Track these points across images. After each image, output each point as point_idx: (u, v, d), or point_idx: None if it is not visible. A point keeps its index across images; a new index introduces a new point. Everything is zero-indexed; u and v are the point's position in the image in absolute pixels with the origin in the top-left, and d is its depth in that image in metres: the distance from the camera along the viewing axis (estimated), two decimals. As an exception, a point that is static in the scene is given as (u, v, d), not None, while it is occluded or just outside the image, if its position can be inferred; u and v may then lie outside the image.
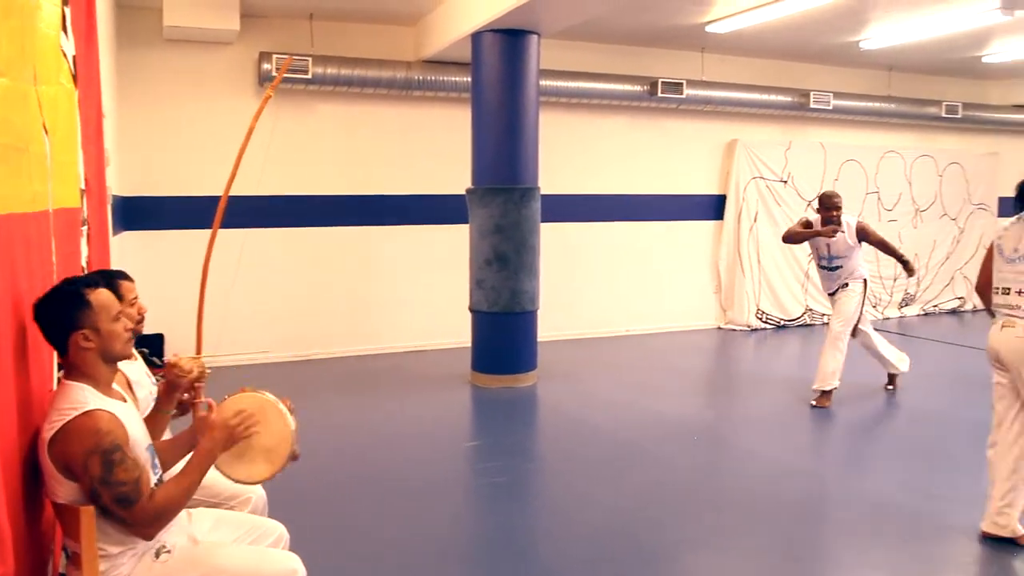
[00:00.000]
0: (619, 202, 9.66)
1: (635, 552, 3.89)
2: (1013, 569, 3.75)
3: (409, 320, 8.64)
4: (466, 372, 7.38)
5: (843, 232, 6.44)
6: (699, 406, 6.94)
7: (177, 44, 7.56)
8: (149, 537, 2.27)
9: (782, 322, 10.33)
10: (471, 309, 7.21)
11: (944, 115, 11.03)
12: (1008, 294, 3.93)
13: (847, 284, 6.53)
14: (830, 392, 6.47)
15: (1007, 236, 4.00)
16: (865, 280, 6.58)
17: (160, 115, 7.62)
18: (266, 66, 7.61)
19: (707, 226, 10.23)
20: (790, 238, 6.77)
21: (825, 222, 6.47)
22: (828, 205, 6.48)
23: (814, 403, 6.47)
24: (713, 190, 10.22)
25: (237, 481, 2.66)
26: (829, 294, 6.73)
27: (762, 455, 5.39)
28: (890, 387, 6.97)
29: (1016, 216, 3.98)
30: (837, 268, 6.56)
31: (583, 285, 9.44)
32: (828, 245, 6.51)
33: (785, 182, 10.30)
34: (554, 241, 8.70)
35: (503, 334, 7.13)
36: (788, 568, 3.76)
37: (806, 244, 6.94)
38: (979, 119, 11.53)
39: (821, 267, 6.69)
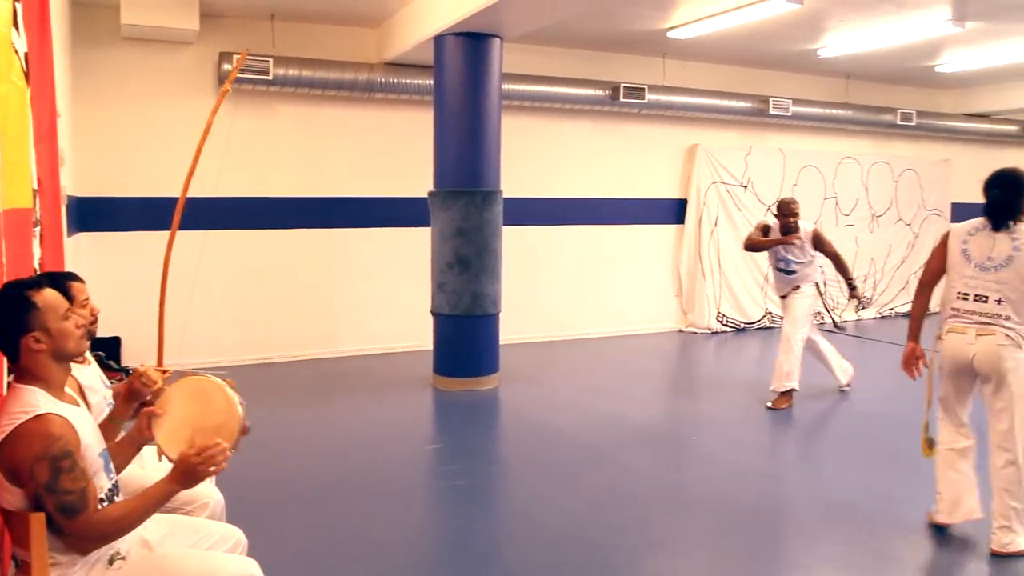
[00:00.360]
0: (581, 206, 9.71)
1: (595, 555, 3.91)
2: (963, 565, 3.83)
3: (371, 323, 8.60)
4: (428, 375, 7.36)
5: (800, 240, 6.55)
6: (660, 409, 6.99)
7: (135, 43, 7.45)
8: (84, 552, 2.21)
9: (742, 325, 10.45)
10: (433, 312, 7.19)
11: (899, 123, 11.26)
12: (985, 302, 3.92)
13: (799, 287, 6.65)
14: (788, 393, 6.55)
15: (974, 243, 4.01)
16: (817, 284, 6.70)
17: (117, 115, 7.50)
18: (226, 67, 7.54)
19: (668, 230, 10.32)
20: (752, 247, 6.87)
21: (783, 228, 6.58)
22: (786, 212, 6.58)
23: (770, 405, 6.55)
24: (674, 194, 10.31)
25: None
26: (781, 296, 6.85)
27: (721, 457, 5.44)
28: (845, 388, 7.08)
29: (980, 221, 4.00)
30: (793, 273, 6.67)
31: (545, 288, 9.47)
32: (787, 249, 6.62)
33: (745, 187, 10.43)
34: (516, 244, 8.71)
35: (465, 337, 7.12)
36: (747, 570, 3.80)
37: None
38: (932, 127, 11.78)
39: (778, 269, 6.79)
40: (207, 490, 2.98)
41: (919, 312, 4.19)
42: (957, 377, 4.04)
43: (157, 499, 2.29)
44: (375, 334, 8.63)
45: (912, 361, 4.15)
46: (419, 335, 8.11)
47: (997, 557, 3.83)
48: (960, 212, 12.26)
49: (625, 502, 4.61)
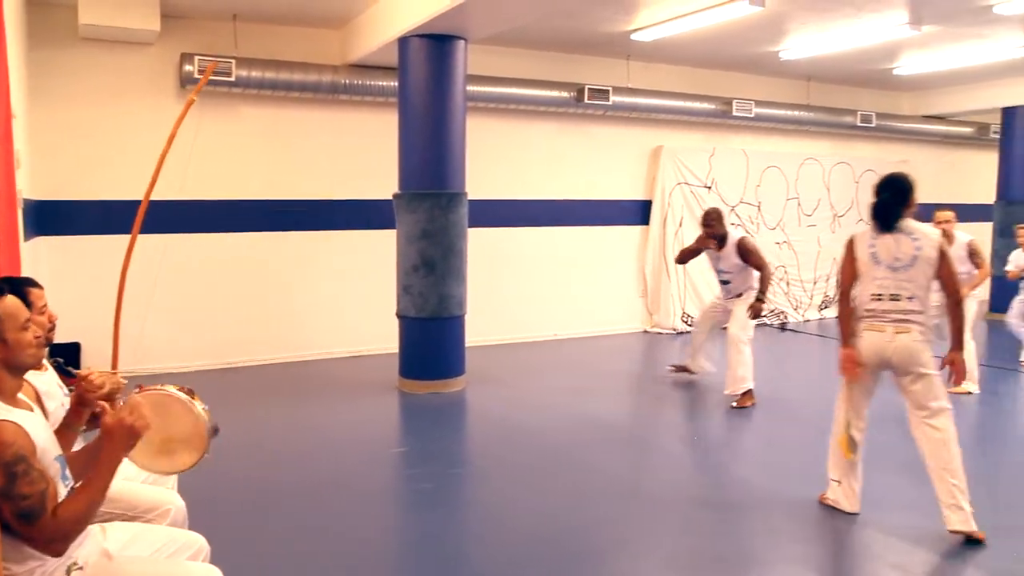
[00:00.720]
0: (546, 207, 9.74)
1: (563, 556, 3.92)
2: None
3: (337, 326, 8.55)
4: (394, 378, 7.33)
5: (716, 250, 6.82)
6: (626, 409, 7.03)
7: (94, 43, 7.34)
8: (58, 553, 2.18)
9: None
10: (398, 315, 7.17)
11: (859, 124, 11.44)
12: (897, 300, 4.14)
13: (740, 294, 6.85)
14: (750, 391, 6.64)
15: (881, 246, 4.21)
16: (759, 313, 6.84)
17: (76, 116, 7.38)
18: (188, 68, 7.46)
19: (633, 231, 10.39)
20: (679, 259, 7.39)
21: (706, 238, 6.84)
22: (703, 222, 6.87)
23: (735, 404, 6.63)
24: (639, 195, 10.38)
25: (170, 473, 2.64)
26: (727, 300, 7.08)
27: (687, 456, 5.48)
28: (688, 371, 7.59)
29: (872, 223, 4.24)
30: (728, 282, 6.90)
31: (511, 290, 9.48)
32: (717, 259, 6.86)
33: (709, 188, 10.52)
34: (482, 246, 8.72)
35: (431, 340, 7.10)
36: (713, 567, 3.83)
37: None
38: (891, 128, 11.98)
39: (719, 280, 7.07)
40: (168, 497, 2.95)
41: (847, 316, 4.35)
42: (873, 373, 4.25)
43: (104, 476, 2.24)
44: (341, 337, 8.58)
45: (850, 365, 4.30)
46: (385, 338, 8.08)
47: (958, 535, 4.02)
48: (919, 212, 12.48)
49: (592, 502, 4.63)
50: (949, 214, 6.97)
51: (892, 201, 4.19)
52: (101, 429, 2.38)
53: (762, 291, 6.66)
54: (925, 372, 4.09)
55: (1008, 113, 11.88)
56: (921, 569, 3.82)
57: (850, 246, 4.35)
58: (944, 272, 4.14)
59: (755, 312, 6.66)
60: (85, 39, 7.26)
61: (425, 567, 3.84)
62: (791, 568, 3.87)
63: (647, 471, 5.30)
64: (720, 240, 6.72)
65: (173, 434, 2.53)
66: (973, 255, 6.92)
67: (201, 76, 7.29)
